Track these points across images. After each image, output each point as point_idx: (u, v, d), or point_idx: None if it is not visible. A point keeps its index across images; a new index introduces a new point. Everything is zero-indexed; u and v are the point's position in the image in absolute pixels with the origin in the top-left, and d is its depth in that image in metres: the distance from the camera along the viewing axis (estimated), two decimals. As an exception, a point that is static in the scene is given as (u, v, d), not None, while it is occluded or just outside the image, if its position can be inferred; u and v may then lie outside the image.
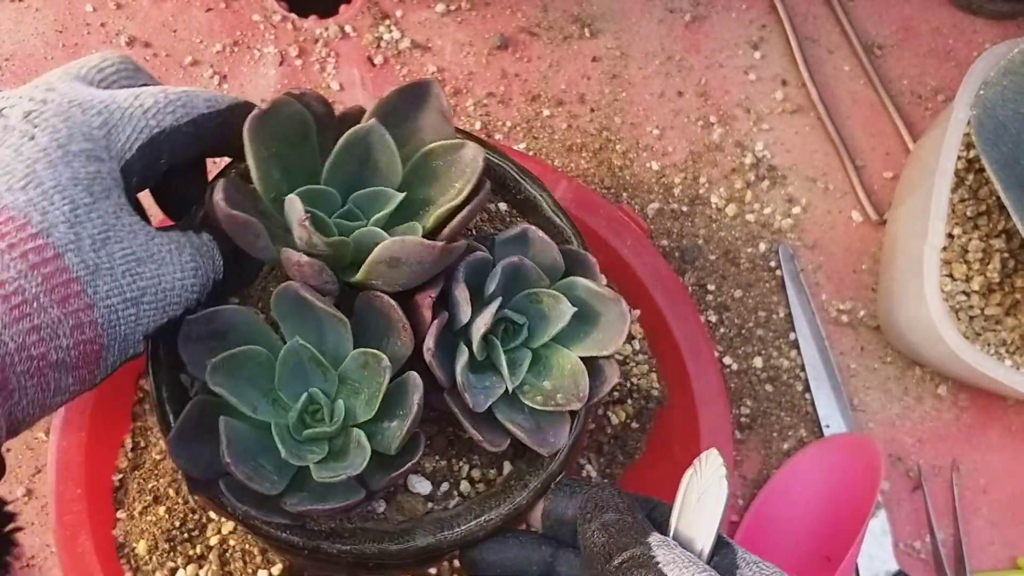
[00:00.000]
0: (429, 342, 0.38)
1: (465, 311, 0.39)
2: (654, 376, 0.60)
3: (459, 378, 0.38)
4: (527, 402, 0.40)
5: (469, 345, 0.39)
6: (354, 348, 0.39)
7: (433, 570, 0.56)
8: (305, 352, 0.39)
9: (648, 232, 0.64)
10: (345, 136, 0.39)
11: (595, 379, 0.41)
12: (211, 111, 0.39)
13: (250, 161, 0.38)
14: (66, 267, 0.32)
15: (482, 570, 0.39)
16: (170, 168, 0.39)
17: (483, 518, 0.40)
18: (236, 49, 0.67)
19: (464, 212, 0.39)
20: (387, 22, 0.68)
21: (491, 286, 0.40)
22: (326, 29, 0.68)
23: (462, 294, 0.39)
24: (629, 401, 0.60)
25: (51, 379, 0.32)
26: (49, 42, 0.66)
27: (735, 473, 0.63)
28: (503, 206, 0.46)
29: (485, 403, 0.39)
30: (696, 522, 0.37)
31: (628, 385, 0.60)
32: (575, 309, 0.40)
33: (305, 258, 0.37)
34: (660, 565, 0.34)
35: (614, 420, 0.59)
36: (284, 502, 0.37)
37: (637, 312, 0.60)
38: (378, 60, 0.68)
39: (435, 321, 0.38)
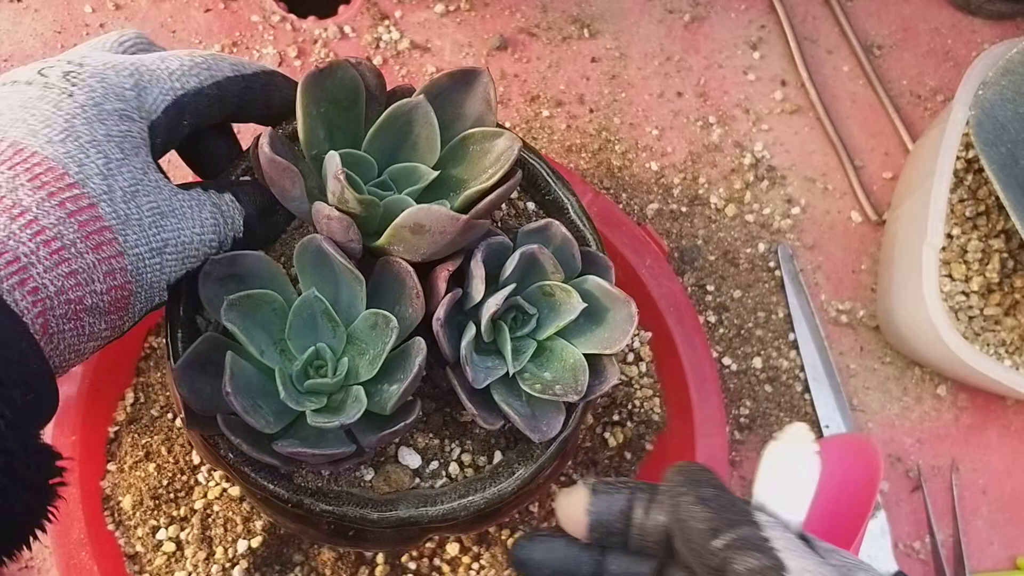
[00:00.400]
0: (440, 313, 0.38)
1: (479, 289, 0.39)
2: (657, 400, 0.60)
3: (463, 352, 0.39)
4: (526, 388, 0.40)
5: (478, 324, 0.40)
6: (367, 309, 0.40)
7: (413, 565, 0.56)
8: (319, 305, 0.40)
9: (668, 254, 0.63)
10: (391, 108, 0.40)
11: (595, 377, 0.41)
12: (235, 75, 0.41)
13: (299, 116, 0.39)
14: (100, 216, 0.33)
15: (532, 570, 0.38)
16: (195, 130, 0.40)
17: (467, 499, 0.41)
18: (235, 50, 0.67)
19: (492, 195, 0.39)
20: (386, 23, 0.68)
21: (507, 271, 0.40)
22: (325, 30, 0.68)
23: (478, 271, 0.39)
24: (629, 424, 0.60)
25: (86, 323, 0.33)
26: (48, 43, 0.66)
27: (734, 474, 0.63)
28: (531, 205, 0.47)
29: (484, 381, 0.40)
30: (782, 502, 0.33)
31: (630, 407, 0.60)
32: (585, 305, 0.41)
33: (335, 212, 0.37)
34: (776, 551, 0.31)
35: (611, 442, 0.59)
36: (276, 443, 0.37)
37: (648, 334, 0.60)
38: (377, 61, 0.68)
39: (448, 295, 0.39)
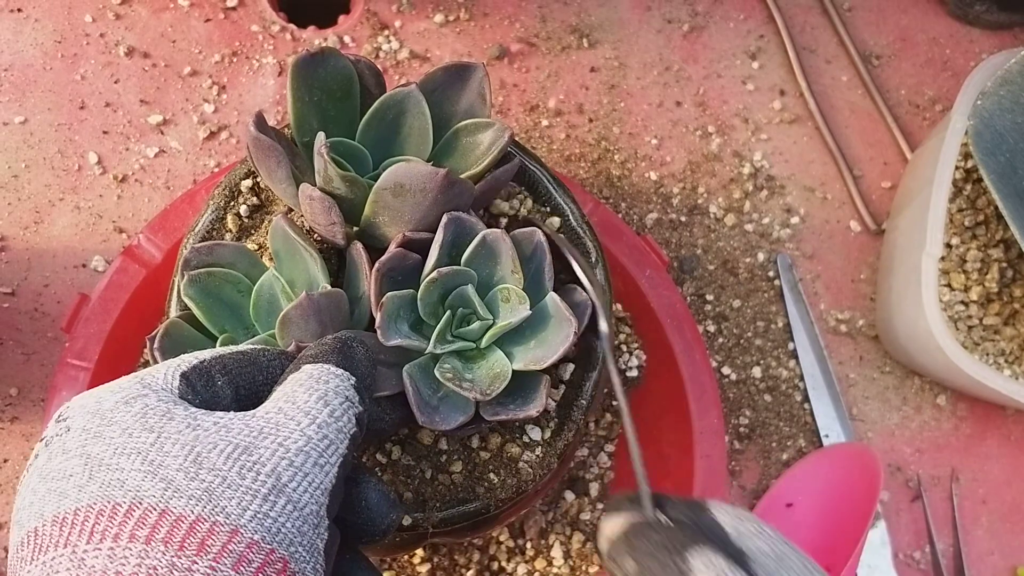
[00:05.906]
0: (380, 263, 0.37)
1: (434, 254, 0.38)
2: (656, 411, 0.60)
3: (386, 301, 0.37)
4: (438, 375, 0.39)
5: (416, 289, 0.39)
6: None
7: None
8: (278, 284, 0.40)
9: (668, 264, 0.63)
10: (383, 96, 0.40)
11: (520, 396, 0.40)
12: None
13: (290, 100, 0.39)
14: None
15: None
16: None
17: (464, 507, 0.41)
18: (235, 59, 0.67)
19: (482, 183, 0.39)
20: (386, 32, 0.68)
21: (467, 252, 0.40)
22: (325, 39, 0.68)
23: (439, 238, 0.38)
24: None
25: None
26: (48, 52, 0.66)
27: (734, 483, 0.63)
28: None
29: (393, 337, 0.37)
30: None
31: None
32: (529, 313, 0.39)
33: (318, 192, 0.37)
34: None
35: (610, 450, 0.59)
36: None
37: (644, 355, 0.59)
38: (377, 70, 0.68)
39: (398, 249, 0.38)
